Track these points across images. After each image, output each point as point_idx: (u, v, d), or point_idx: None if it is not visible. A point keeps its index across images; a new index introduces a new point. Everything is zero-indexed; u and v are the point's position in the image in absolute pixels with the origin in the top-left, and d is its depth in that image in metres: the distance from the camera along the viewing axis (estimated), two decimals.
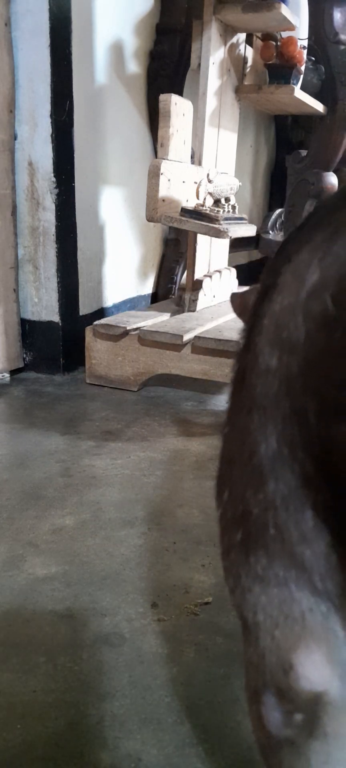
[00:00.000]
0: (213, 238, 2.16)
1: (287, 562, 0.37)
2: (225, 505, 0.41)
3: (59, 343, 2.02)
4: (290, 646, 0.37)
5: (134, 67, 2.40)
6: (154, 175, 1.81)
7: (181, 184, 1.94)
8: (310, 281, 0.35)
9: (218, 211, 1.96)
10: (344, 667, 0.37)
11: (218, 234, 1.88)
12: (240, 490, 0.39)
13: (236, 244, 2.75)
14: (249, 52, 2.31)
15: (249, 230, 2.14)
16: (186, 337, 1.79)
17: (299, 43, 2.28)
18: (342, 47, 2.69)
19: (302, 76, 2.38)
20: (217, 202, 2.11)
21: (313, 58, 2.66)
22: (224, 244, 2.40)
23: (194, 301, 2.13)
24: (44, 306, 2.01)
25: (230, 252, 2.52)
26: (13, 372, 2.01)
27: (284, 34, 2.26)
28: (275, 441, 0.36)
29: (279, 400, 0.35)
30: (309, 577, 0.36)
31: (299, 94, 2.31)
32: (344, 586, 0.36)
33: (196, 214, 1.90)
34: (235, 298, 0.56)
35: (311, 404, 0.34)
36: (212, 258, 2.32)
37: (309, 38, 2.47)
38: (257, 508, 0.37)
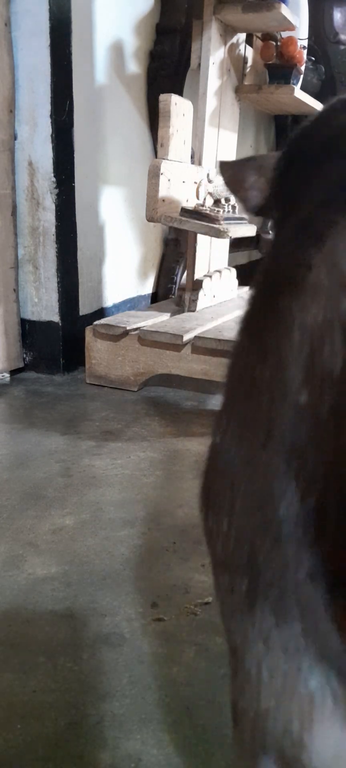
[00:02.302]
0: (213, 238, 2.16)
1: (301, 632, 0.32)
2: (225, 538, 0.34)
3: (59, 343, 2.02)
4: (301, 724, 0.33)
5: (134, 67, 2.40)
6: (154, 175, 1.81)
7: (181, 184, 1.94)
8: None
9: (218, 211, 1.96)
10: None
11: (218, 234, 1.87)
12: (247, 533, 0.32)
13: (236, 244, 2.75)
14: (249, 52, 2.31)
15: (249, 230, 2.14)
16: (186, 337, 1.79)
17: (299, 43, 2.28)
18: (342, 47, 2.69)
19: (302, 76, 2.38)
20: (217, 202, 2.11)
21: (313, 58, 2.66)
22: (224, 244, 2.40)
23: (194, 301, 2.13)
24: (44, 306, 2.01)
25: (230, 252, 2.52)
26: (13, 372, 2.01)
27: (284, 34, 2.26)
28: (303, 503, 0.29)
29: (314, 450, 0.29)
30: (329, 658, 0.32)
31: (299, 94, 2.31)
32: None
33: (196, 214, 1.90)
34: (225, 168, 0.49)
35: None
36: (212, 258, 2.32)
37: (309, 38, 2.47)
38: (271, 567, 0.32)
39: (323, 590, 0.30)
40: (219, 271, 2.33)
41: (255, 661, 0.34)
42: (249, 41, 2.33)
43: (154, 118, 2.27)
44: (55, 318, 2.01)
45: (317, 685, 0.32)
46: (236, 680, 0.36)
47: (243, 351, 0.35)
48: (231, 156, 2.36)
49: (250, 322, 0.35)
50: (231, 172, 0.48)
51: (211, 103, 2.10)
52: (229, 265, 2.50)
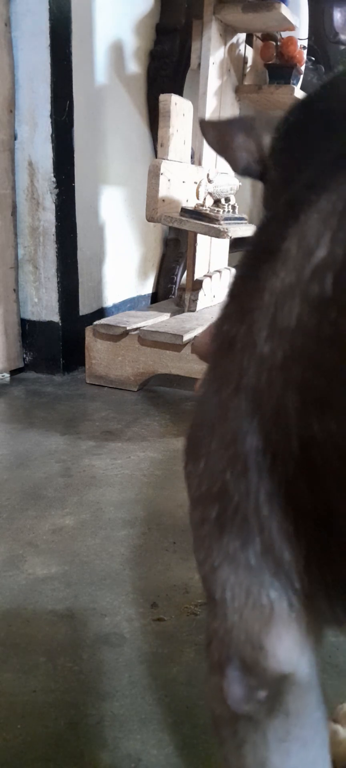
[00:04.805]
0: (213, 238, 2.16)
1: (261, 551, 0.36)
2: (201, 476, 0.39)
3: (59, 343, 2.02)
4: (260, 629, 0.37)
5: (134, 67, 2.40)
6: (154, 175, 1.81)
7: (181, 184, 1.94)
8: (316, 258, 0.30)
9: (218, 211, 1.96)
10: (310, 653, 0.38)
11: (218, 234, 1.88)
12: (219, 467, 0.37)
13: (236, 244, 2.74)
14: (249, 52, 2.31)
15: (249, 230, 2.14)
16: (186, 337, 1.79)
17: (299, 43, 2.28)
18: (342, 47, 2.69)
19: (302, 76, 2.38)
20: (217, 202, 2.11)
21: (313, 58, 2.66)
22: (224, 244, 2.40)
23: (194, 301, 2.14)
24: (44, 306, 2.01)
25: (230, 252, 2.52)
26: (13, 372, 2.01)
27: (284, 34, 2.26)
28: (261, 439, 0.34)
29: (269, 394, 0.33)
30: (284, 572, 0.36)
31: (299, 94, 2.31)
32: (318, 586, 0.35)
33: (196, 214, 1.90)
34: (208, 127, 0.50)
35: (292, 399, 0.31)
36: (212, 258, 2.32)
37: (309, 38, 2.47)
38: (238, 494, 0.36)
39: (278, 510, 0.35)
40: (219, 271, 2.33)
41: (222, 582, 0.39)
42: (249, 41, 2.33)
43: (154, 118, 2.28)
44: (55, 318, 2.01)
45: (275, 595, 0.36)
46: (208, 606, 0.41)
47: (226, 315, 0.38)
48: None
49: (234, 288, 0.39)
50: (215, 132, 0.51)
51: (211, 103, 2.10)
52: (229, 265, 2.50)
